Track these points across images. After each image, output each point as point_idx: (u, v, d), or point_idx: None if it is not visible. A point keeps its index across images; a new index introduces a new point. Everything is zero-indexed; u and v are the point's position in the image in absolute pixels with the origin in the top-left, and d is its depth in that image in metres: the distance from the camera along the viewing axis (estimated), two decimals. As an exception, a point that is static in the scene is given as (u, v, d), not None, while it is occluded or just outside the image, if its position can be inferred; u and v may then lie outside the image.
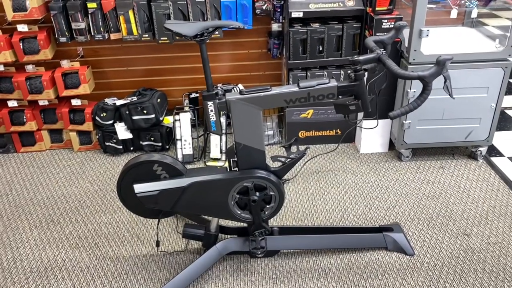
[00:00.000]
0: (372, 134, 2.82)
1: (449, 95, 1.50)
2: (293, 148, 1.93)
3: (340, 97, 1.72)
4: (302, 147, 1.91)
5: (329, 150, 2.90)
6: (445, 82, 1.50)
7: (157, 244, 2.00)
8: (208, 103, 1.71)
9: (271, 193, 1.85)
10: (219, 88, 1.73)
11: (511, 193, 2.42)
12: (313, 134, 2.95)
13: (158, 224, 2.02)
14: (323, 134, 2.95)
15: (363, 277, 1.92)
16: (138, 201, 1.84)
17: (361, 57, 1.63)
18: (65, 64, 2.79)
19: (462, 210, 2.30)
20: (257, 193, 1.84)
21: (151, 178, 1.83)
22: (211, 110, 1.72)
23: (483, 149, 2.71)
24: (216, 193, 1.83)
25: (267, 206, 1.89)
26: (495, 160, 2.71)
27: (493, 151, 2.80)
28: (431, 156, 2.78)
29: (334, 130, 2.94)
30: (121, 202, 1.88)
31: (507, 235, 2.12)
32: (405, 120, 2.59)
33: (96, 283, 1.95)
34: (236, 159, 1.83)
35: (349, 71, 1.70)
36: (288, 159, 1.88)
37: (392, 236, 2.07)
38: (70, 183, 2.67)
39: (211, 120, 1.74)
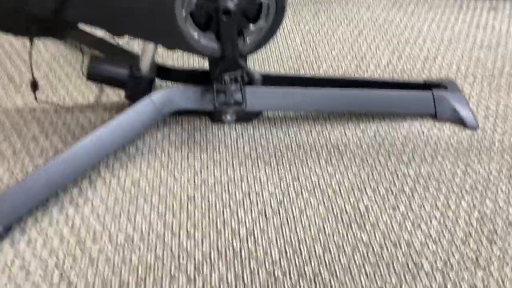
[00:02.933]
0: (397, -46, 1.86)
1: None
2: None
3: None
4: None
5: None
6: None
7: (34, 86, 1.06)
8: None
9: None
10: None
11: None
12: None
13: (31, 46, 1.04)
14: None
15: (402, 159, 1.15)
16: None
17: None
18: None
19: (533, 67, 1.53)
20: (234, -5, 0.91)
21: None
22: None
23: (552, -13, 1.88)
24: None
25: (251, 25, 0.98)
26: (560, 6, 1.90)
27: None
28: (476, -6, 1.91)
29: None
30: None
31: None
32: None
33: None
34: None
35: None
36: None
37: (447, 97, 1.26)
38: None
39: None
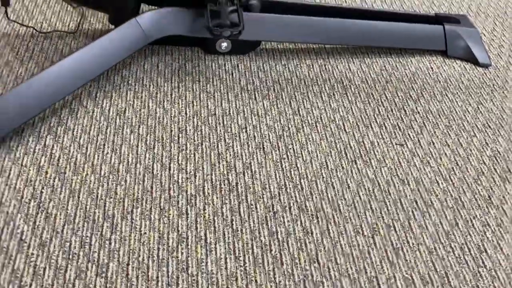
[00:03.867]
0: None
1: None
2: None
3: None
4: None
5: None
6: None
7: (4, 3, 0.94)
8: None
9: None
10: None
11: None
12: None
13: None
14: None
15: (411, 96, 1.07)
16: None
17: None
18: None
19: (548, 7, 1.44)
20: None
21: None
22: None
23: None
24: None
25: None
26: None
27: None
28: None
29: None
30: None
31: None
32: None
33: None
34: None
35: None
36: None
37: (459, 32, 1.17)
38: None
39: None
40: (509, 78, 1.15)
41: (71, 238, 0.71)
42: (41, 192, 0.78)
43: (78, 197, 0.78)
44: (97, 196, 0.78)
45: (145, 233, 0.73)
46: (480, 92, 1.10)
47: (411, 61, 1.16)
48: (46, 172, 0.81)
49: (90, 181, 0.81)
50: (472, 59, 1.17)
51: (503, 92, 1.11)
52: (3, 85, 0.96)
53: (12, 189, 0.78)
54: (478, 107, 1.06)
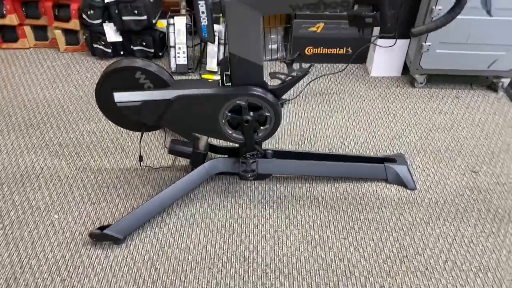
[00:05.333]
0: (385, 56, 2.55)
1: (487, 11, 1.25)
2: (296, 65, 1.70)
3: (356, 7, 1.45)
4: (306, 65, 1.68)
5: (336, 70, 2.66)
6: (484, -6, 1.23)
7: (140, 159, 1.85)
8: (200, 2, 1.45)
9: (266, 113, 1.65)
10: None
11: (529, 131, 2.23)
12: (321, 52, 2.68)
13: (141, 138, 1.86)
14: (332, 52, 2.68)
15: (358, 208, 1.81)
16: (119, 112, 1.66)
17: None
18: (46, -51, 2.45)
19: (473, 146, 2.13)
20: (251, 113, 1.65)
21: (133, 86, 1.62)
22: (203, 12, 1.47)
23: (506, 81, 2.46)
24: (206, 109, 1.64)
25: (261, 127, 1.71)
26: (516, 93, 2.48)
27: (516, 83, 2.55)
28: (446, 84, 2.54)
29: (344, 48, 2.67)
30: (100, 111, 1.70)
31: (518, 176, 1.97)
32: (425, 42, 2.31)
33: (75, 194, 1.84)
34: (230, 73, 1.61)
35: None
36: (289, 77, 1.66)
37: (394, 168, 1.91)
38: (53, 86, 2.48)
39: (202, 24, 1.49)
40: (426, 197, 1.85)
41: None
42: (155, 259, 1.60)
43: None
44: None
45: None
46: (403, 207, 1.81)
47: (364, 185, 1.91)
48: (163, 247, 1.64)
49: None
50: (403, 185, 1.90)
51: (418, 207, 1.81)
52: (135, 199, 1.84)
53: (140, 256, 1.61)
54: (399, 216, 1.77)
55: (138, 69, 1.60)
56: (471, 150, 2.10)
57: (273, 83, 1.66)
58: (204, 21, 1.49)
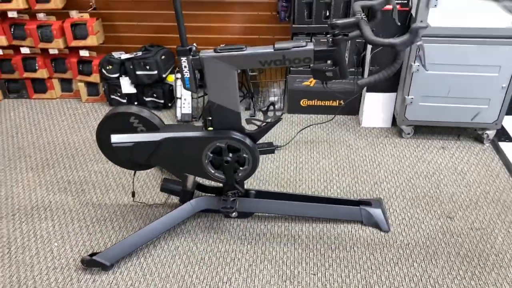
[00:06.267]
0: (375, 108, 2.72)
1: (422, 65, 1.42)
2: (270, 113, 1.90)
3: (317, 62, 1.66)
4: (278, 113, 1.88)
5: (326, 120, 2.84)
6: (418, 51, 1.41)
7: (133, 195, 2.06)
8: (182, 58, 1.70)
9: (244, 155, 1.84)
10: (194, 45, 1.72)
11: (510, 180, 2.29)
12: (315, 104, 2.89)
13: (134, 175, 2.08)
14: (326, 104, 2.88)
15: (331, 247, 1.91)
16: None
17: (339, 21, 1.56)
18: (74, 14, 2.84)
19: (452, 193, 2.21)
20: (230, 154, 1.84)
21: (128, 130, 1.86)
22: (185, 66, 1.72)
23: (491, 133, 2.56)
24: (190, 150, 1.85)
25: (241, 168, 1.89)
26: (503, 145, 2.56)
27: (504, 135, 2.64)
28: (434, 135, 2.67)
29: (337, 101, 2.87)
30: (100, 150, 1.94)
31: (493, 222, 2.03)
32: (407, 95, 2.48)
33: (75, 225, 2.05)
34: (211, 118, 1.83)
35: (327, 36, 1.64)
36: (264, 123, 1.86)
37: (369, 211, 2.02)
38: (72, 131, 2.78)
39: (185, 76, 1.74)
40: (397, 239, 1.94)
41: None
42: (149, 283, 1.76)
43: None
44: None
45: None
46: (375, 247, 1.91)
47: (340, 226, 2.02)
48: (146, 275, 1.80)
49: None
50: (377, 227, 1.99)
51: (389, 248, 1.90)
52: (127, 231, 2.03)
53: (125, 282, 1.77)
54: (369, 256, 1.86)
55: (132, 114, 1.84)
56: (450, 197, 2.19)
57: (251, 128, 1.86)
58: (186, 74, 1.73)
